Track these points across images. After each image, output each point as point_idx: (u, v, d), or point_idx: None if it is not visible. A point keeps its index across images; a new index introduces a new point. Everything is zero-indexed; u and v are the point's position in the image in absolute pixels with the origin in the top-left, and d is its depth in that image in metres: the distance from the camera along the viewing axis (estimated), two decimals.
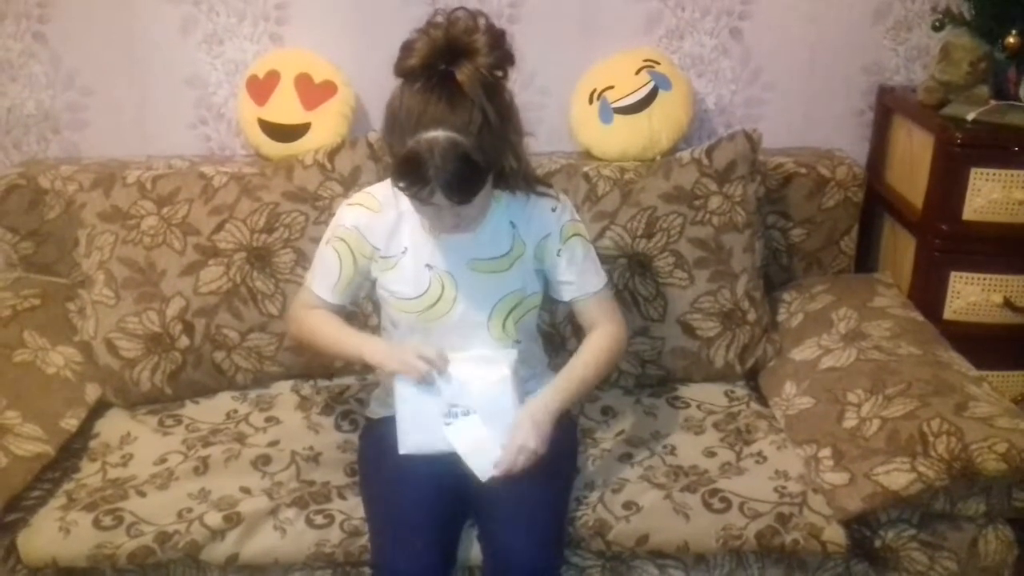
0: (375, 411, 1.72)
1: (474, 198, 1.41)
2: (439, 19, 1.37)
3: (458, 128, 1.34)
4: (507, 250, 1.58)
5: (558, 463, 1.61)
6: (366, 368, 1.89)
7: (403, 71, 1.38)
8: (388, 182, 1.57)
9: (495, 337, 1.60)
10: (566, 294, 1.63)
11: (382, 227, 1.57)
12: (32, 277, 2.02)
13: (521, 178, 1.52)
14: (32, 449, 1.63)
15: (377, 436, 1.66)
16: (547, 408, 1.53)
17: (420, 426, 1.50)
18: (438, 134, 1.33)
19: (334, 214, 1.85)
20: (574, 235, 1.61)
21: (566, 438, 1.69)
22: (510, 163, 1.46)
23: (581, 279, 1.61)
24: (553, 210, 1.59)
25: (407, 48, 1.37)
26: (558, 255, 1.59)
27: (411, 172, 1.36)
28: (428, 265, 1.57)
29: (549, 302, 1.74)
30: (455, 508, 1.54)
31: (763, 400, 1.90)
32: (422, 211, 1.48)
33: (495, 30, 1.38)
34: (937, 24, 2.05)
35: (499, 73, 1.40)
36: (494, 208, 1.55)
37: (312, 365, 1.93)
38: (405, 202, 1.52)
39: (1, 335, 1.81)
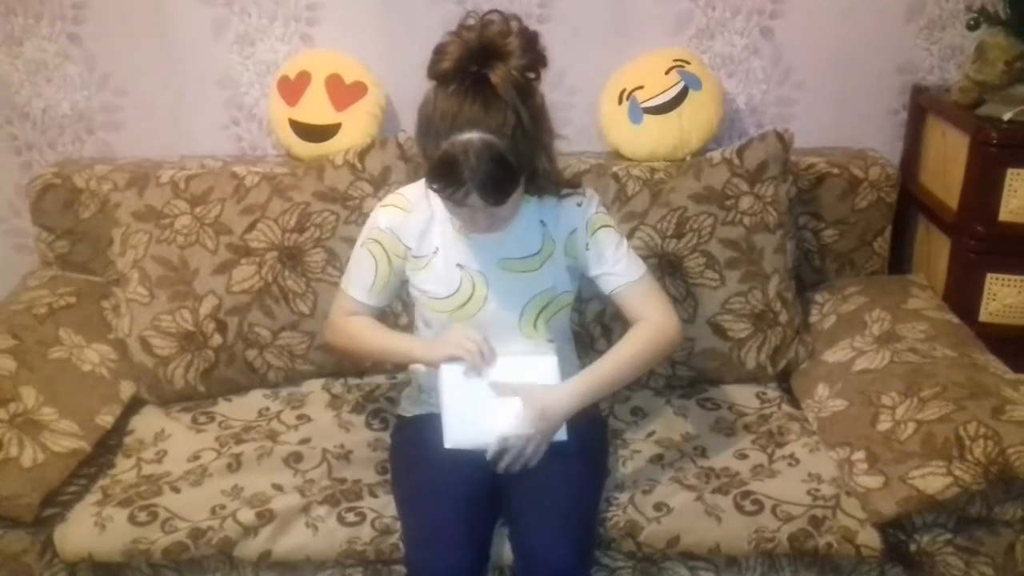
0: (407, 409, 1.73)
1: (508, 199, 1.41)
2: (471, 21, 1.37)
3: (492, 130, 1.34)
4: (538, 249, 1.59)
5: (588, 464, 1.61)
6: (397, 367, 1.90)
7: (436, 74, 1.38)
8: (420, 183, 1.58)
9: (526, 336, 1.60)
10: (605, 287, 1.61)
11: (414, 227, 1.59)
12: (68, 275, 2.05)
13: (552, 181, 1.52)
14: (68, 445, 1.65)
15: (409, 434, 1.66)
16: (561, 404, 1.51)
17: (466, 420, 1.51)
18: (473, 136, 1.34)
19: (365, 214, 1.88)
20: (601, 227, 1.60)
21: (596, 439, 1.70)
22: (543, 164, 1.46)
23: (616, 269, 1.59)
24: (579, 205, 1.59)
25: (440, 51, 1.38)
26: (587, 248, 1.59)
27: (446, 174, 1.36)
28: (459, 265, 1.58)
29: (578, 301, 1.74)
30: (488, 507, 1.54)
31: (795, 402, 1.89)
32: (456, 213, 1.48)
33: (528, 32, 1.38)
34: (972, 23, 2.02)
35: (532, 75, 1.40)
36: (524, 208, 1.55)
37: (343, 364, 1.94)
38: (436, 202, 1.53)
39: (38, 332, 1.83)
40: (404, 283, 1.65)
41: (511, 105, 1.34)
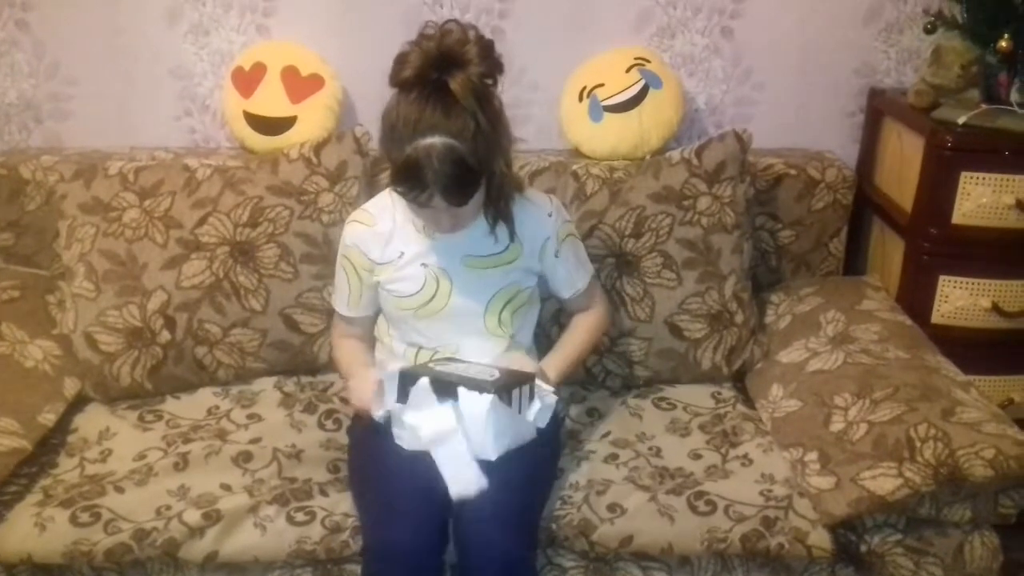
0: None
1: (470, 200, 1.48)
2: (431, 31, 1.43)
3: (453, 134, 1.41)
4: (502, 249, 1.64)
5: (535, 460, 1.59)
6: None
7: (398, 82, 1.44)
8: (383, 194, 1.69)
9: (490, 330, 1.65)
10: (564, 292, 1.74)
11: (378, 238, 1.65)
12: (11, 268, 1.99)
13: (510, 184, 1.58)
14: (8, 444, 1.60)
15: (366, 424, 1.65)
16: (549, 366, 1.67)
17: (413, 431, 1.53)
18: (435, 140, 1.40)
19: (320, 209, 1.91)
20: (568, 236, 1.71)
21: (547, 435, 1.68)
22: (500, 167, 1.52)
23: (575, 275, 1.73)
24: (549, 215, 1.67)
25: (401, 60, 1.44)
26: (556, 256, 1.68)
27: (410, 177, 1.42)
28: (423, 264, 1.63)
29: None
30: (445, 496, 1.52)
31: (750, 402, 1.89)
32: (420, 214, 1.55)
33: (485, 40, 1.45)
34: (929, 27, 2.04)
35: (489, 81, 1.46)
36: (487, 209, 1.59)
37: (296, 361, 1.91)
38: (400, 211, 1.62)
39: None
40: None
41: (470, 110, 1.41)
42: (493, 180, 1.52)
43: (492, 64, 1.45)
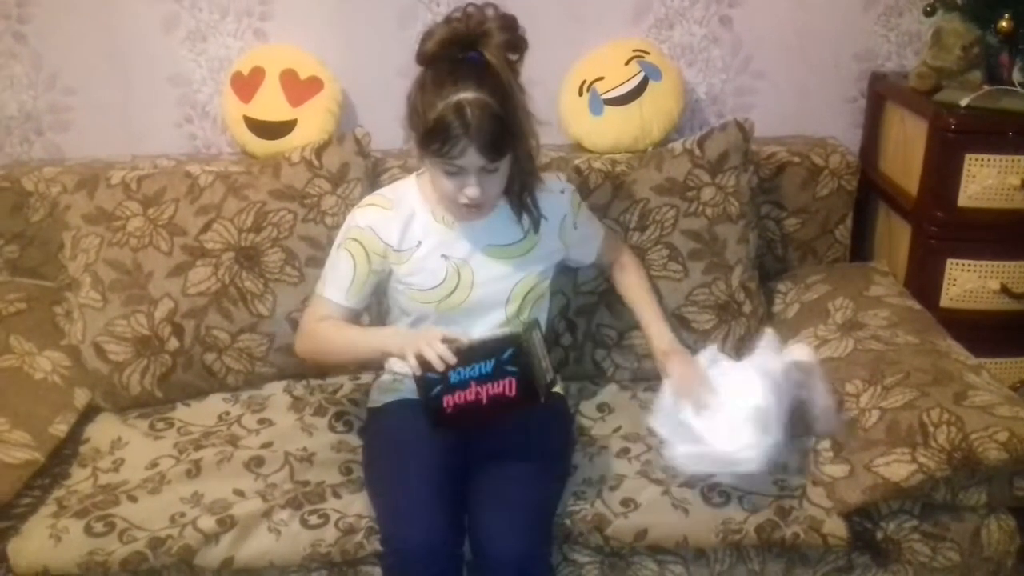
0: (377, 400, 1.73)
1: (502, 158, 1.47)
2: (456, 14, 1.47)
3: (486, 92, 1.42)
4: (522, 236, 1.63)
5: (547, 458, 1.60)
6: (365, 366, 1.89)
7: (424, 55, 1.47)
8: (399, 183, 1.68)
9: (510, 322, 1.64)
10: (589, 256, 1.79)
11: (395, 223, 1.61)
12: (18, 281, 1.99)
13: (534, 167, 1.60)
14: (21, 456, 1.61)
15: (381, 422, 1.66)
16: (672, 341, 1.72)
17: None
18: (468, 94, 1.42)
19: (323, 212, 1.89)
20: (580, 204, 1.75)
21: (559, 433, 1.69)
22: (526, 145, 1.52)
23: (594, 234, 1.79)
24: (562, 192, 1.70)
25: (427, 35, 1.47)
26: (575, 228, 1.72)
27: (444, 130, 1.42)
28: (444, 255, 1.61)
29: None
30: (459, 486, 1.53)
31: None
32: (446, 184, 1.50)
33: (508, 16, 1.48)
34: (929, 9, 2.03)
35: (514, 56, 1.48)
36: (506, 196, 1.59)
37: (304, 365, 1.91)
38: (416, 198, 1.60)
39: None
40: (381, 283, 1.65)
41: (503, 75, 1.44)
42: (519, 157, 1.52)
43: (515, 37, 1.47)
